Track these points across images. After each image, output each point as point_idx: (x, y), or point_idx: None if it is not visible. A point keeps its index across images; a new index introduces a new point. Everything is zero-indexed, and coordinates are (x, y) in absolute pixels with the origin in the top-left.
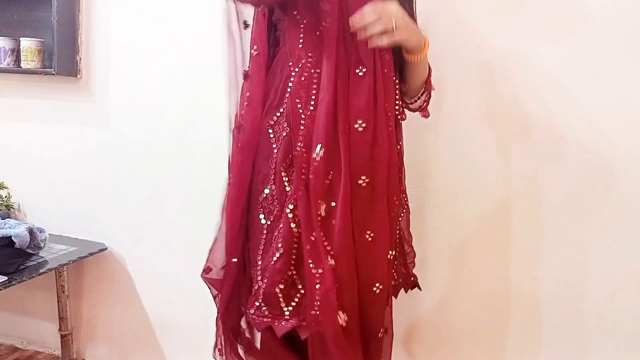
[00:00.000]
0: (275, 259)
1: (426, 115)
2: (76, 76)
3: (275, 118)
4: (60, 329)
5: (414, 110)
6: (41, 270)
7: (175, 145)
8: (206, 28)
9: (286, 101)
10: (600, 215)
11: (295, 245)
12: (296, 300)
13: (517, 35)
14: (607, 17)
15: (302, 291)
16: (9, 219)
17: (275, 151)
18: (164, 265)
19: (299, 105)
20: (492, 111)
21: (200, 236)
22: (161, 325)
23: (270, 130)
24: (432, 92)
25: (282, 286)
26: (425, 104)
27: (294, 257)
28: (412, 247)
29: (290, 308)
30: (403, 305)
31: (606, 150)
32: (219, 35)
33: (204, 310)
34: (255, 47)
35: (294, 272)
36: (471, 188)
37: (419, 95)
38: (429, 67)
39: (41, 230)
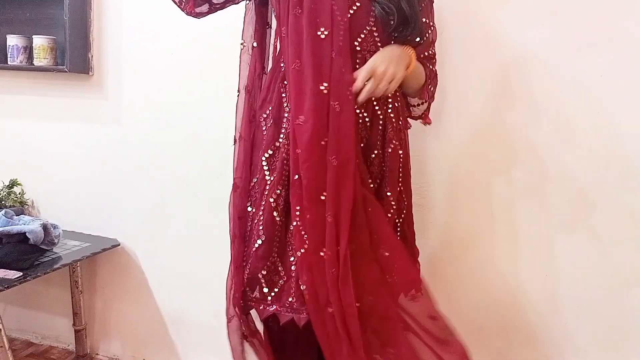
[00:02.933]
0: (257, 245)
1: (427, 122)
2: (88, 73)
3: (267, 112)
4: (74, 324)
5: (415, 119)
6: (55, 266)
7: (187, 142)
8: (218, 25)
9: (276, 96)
10: (614, 210)
11: (278, 233)
12: (279, 286)
13: (524, 37)
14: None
15: (285, 278)
16: (23, 215)
17: (264, 143)
18: (176, 261)
19: (284, 102)
20: (503, 108)
21: (212, 232)
22: (173, 321)
23: (263, 124)
24: (441, 93)
25: (264, 272)
26: (425, 112)
27: (276, 244)
28: (415, 246)
29: (273, 294)
30: None
31: (618, 146)
32: (230, 32)
33: (216, 306)
34: (252, 41)
35: (277, 259)
36: (483, 184)
37: (418, 103)
38: (433, 77)
39: (55, 227)
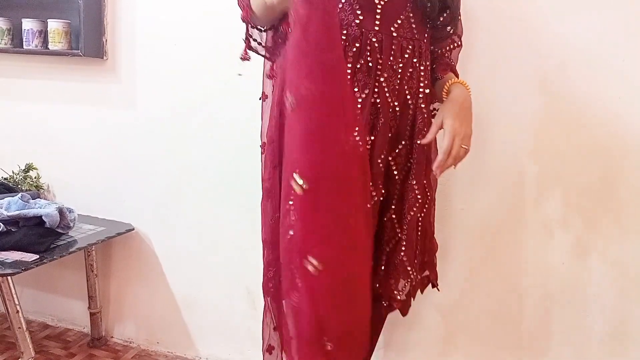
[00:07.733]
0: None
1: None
2: (102, 57)
3: None
4: (89, 307)
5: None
6: (71, 250)
7: (201, 127)
8: (233, 8)
9: None
10: (634, 200)
11: None
12: None
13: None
14: None
15: None
16: (39, 199)
17: None
18: (189, 245)
19: None
20: (519, 96)
21: (225, 216)
22: (187, 304)
23: None
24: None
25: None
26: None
27: None
28: (434, 240)
29: None
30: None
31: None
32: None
33: (229, 289)
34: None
35: None
36: (500, 171)
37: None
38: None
39: (70, 211)
